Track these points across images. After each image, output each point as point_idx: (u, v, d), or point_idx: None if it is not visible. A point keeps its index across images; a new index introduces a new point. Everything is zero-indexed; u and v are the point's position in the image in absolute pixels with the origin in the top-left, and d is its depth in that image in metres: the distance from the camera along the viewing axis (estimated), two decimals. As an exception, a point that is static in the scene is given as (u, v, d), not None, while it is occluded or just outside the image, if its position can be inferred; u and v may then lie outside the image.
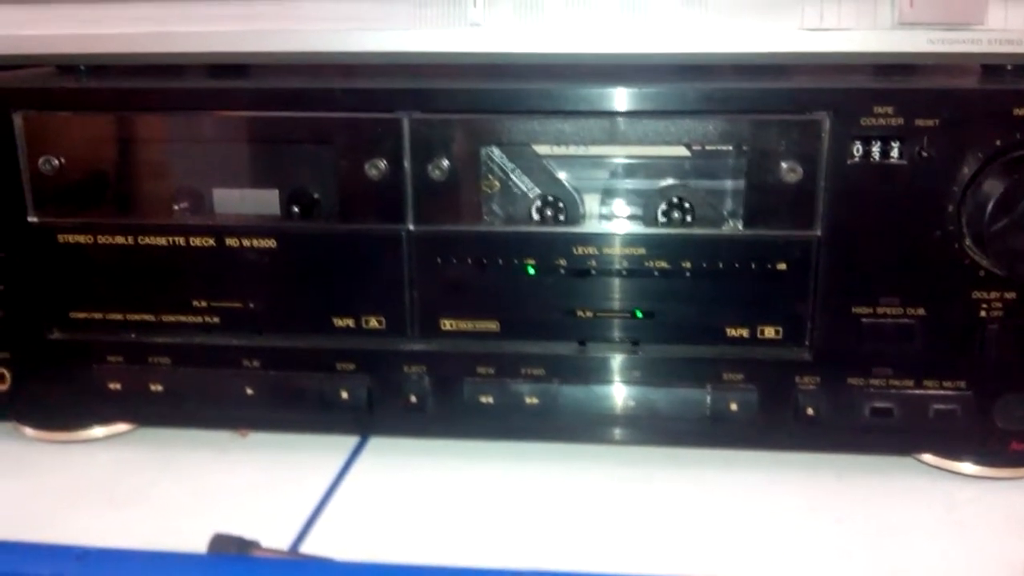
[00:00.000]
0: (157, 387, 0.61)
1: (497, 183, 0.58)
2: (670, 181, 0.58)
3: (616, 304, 0.58)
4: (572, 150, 0.57)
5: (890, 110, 0.52)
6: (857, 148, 0.53)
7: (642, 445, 0.61)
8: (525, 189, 0.58)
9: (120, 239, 0.59)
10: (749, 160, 0.54)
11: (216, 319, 0.60)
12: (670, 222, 0.57)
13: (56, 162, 0.58)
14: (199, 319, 0.60)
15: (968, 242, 0.53)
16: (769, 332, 0.57)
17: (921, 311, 0.55)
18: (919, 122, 0.52)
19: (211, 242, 0.58)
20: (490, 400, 0.59)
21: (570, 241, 0.57)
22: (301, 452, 0.63)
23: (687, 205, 0.57)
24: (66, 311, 0.61)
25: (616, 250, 0.56)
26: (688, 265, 0.56)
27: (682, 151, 0.57)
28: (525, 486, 0.60)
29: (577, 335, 0.59)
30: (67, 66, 0.61)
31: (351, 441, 0.65)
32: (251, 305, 0.60)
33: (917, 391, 0.57)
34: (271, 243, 0.58)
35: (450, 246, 0.57)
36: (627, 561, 0.53)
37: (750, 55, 0.55)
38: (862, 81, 0.56)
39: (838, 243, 0.55)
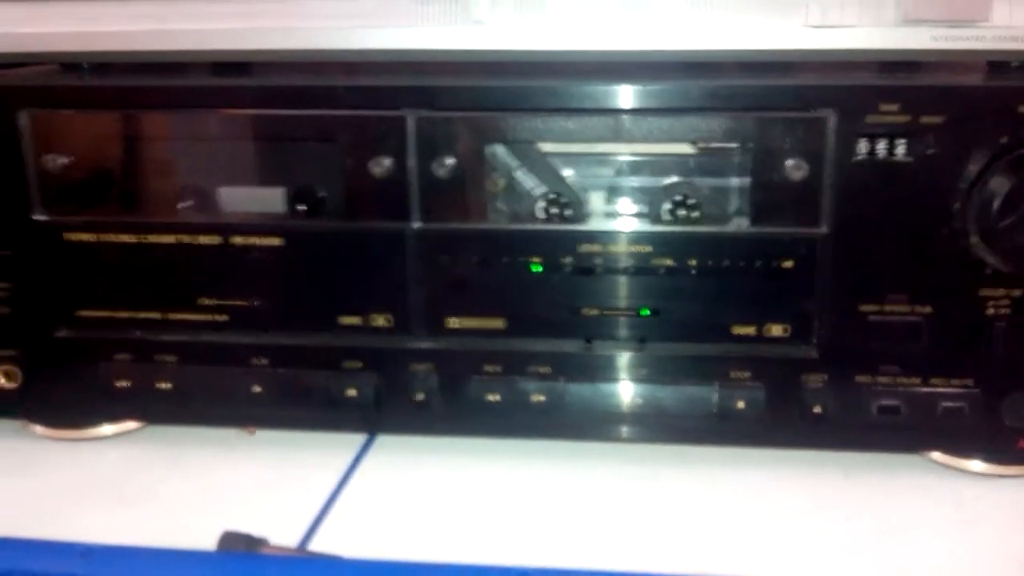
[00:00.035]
0: (165, 385, 0.61)
1: (502, 181, 0.58)
2: (675, 179, 0.57)
3: (622, 302, 0.57)
4: (577, 148, 0.57)
5: (895, 107, 0.52)
6: (862, 145, 0.53)
7: (649, 443, 0.61)
8: (530, 187, 0.58)
9: (126, 237, 0.59)
10: (754, 157, 0.54)
11: (223, 317, 0.60)
12: (676, 220, 0.57)
13: (62, 160, 0.58)
14: (206, 317, 0.60)
15: (975, 239, 0.53)
16: (776, 330, 0.57)
17: (928, 309, 0.55)
18: (924, 119, 0.52)
19: (217, 240, 0.59)
20: (497, 398, 0.59)
21: (575, 239, 0.57)
22: (309, 450, 0.63)
23: (692, 202, 0.57)
24: (73, 309, 0.61)
25: (622, 248, 0.56)
26: (694, 263, 0.56)
27: (687, 148, 0.57)
28: (532, 484, 0.60)
29: (583, 333, 0.58)
30: (70, 64, 0.62)
31: (358, 439, 0.65)
32: (257, 303, 0.60)
33: (924, 389, 0.56)
34: (277, 241, 0.58)
35: (455, 244, 0.57)
36: (634, 559, 0.53)
37: (755, 52, 0.55)
38: (867, 78, 0.55)
39: (844, 240, 0.54)
